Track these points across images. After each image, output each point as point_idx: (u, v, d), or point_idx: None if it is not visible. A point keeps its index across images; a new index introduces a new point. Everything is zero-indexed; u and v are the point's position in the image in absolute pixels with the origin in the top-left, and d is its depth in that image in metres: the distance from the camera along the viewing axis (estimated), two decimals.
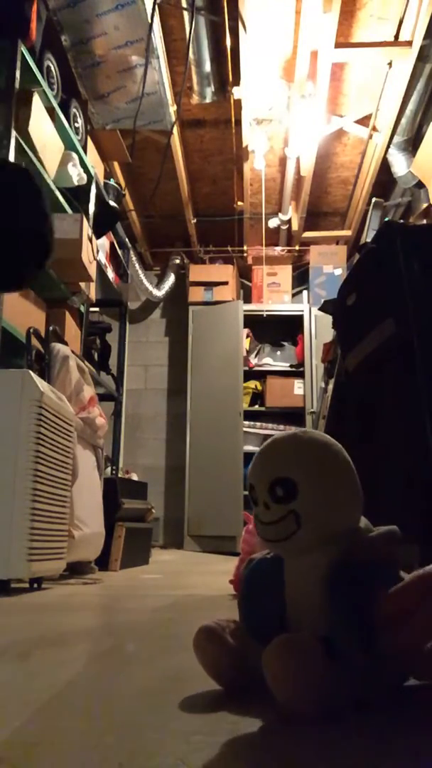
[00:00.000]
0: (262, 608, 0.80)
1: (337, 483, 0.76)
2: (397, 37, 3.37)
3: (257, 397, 5.38)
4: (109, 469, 4.59)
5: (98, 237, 3.81)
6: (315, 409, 4.57)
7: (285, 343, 5.59)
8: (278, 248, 5.61)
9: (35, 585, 2.05)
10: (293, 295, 5.62)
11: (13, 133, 2.58)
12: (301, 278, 5.64)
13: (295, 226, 5.24)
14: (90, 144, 3.70)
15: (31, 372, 2.03)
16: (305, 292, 5.62)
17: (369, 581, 0.72)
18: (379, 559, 0.75)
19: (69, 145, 3.25)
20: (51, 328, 2.72)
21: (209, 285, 5.50)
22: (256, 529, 0.80)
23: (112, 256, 4.86)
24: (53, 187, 3.07)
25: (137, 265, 5.26)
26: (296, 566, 0.78)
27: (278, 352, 5.57)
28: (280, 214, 5.08)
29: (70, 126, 3.29)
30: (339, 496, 0.76)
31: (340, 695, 0.68)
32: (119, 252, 5.05)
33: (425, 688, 0.79)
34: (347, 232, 5.36)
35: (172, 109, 3.76)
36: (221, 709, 0.73)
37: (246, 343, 5.37)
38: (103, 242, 4.35)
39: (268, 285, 5.53)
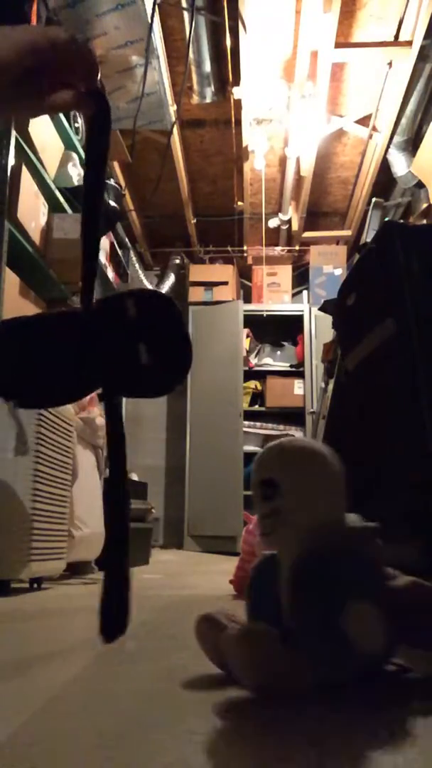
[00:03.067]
0: (261, 604, 0.86)
1: (315, 482, 0.82)
2: (397, 37, 3.37)
3: (257, 397, 5.37)
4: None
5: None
6: (315, 409, 4.56)
7: (285, 343, 5.58)
8: (278, 248, 5.60)
9: (35, 585, 2.05)
10: (293, 295, 5.62)
11: (13, 133, 2.59)
12: (301, 278, 5.64)
13: (295, 226, 5.23)
14: None
15: None
16: (305, 292, 5.61)
17: (331, 572, 0.77)
18: (350, 551, 0.80)
19: (69, 145, 3.25)
20: None
21: (209, 285, 5.49)
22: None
23: (112, 256, 4.86)
24: (53, 187, 3.07)
25: (137, 265, 5.27)
26: (283, 560, 0.83)
27: (278, 352, 5.57)
28: (280, 214, 5.08)
29: (70, 126, 3.29)
30: (317, 493, 0.82)
31: (302, 680, 0.73)
32: (119, 252, 5.05)
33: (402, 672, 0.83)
34: (347, 232, 5.36)
35: (172, 109, 3.75)
36: (222, 708, 0.73)
37: (246, 343, 5.37)
38: (103, 242, 4.35)
39: (268, 285, 5.53)
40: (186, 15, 3.17)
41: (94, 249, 0.62)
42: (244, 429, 5.01)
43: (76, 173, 3.27)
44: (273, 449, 0.87)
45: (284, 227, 5.26)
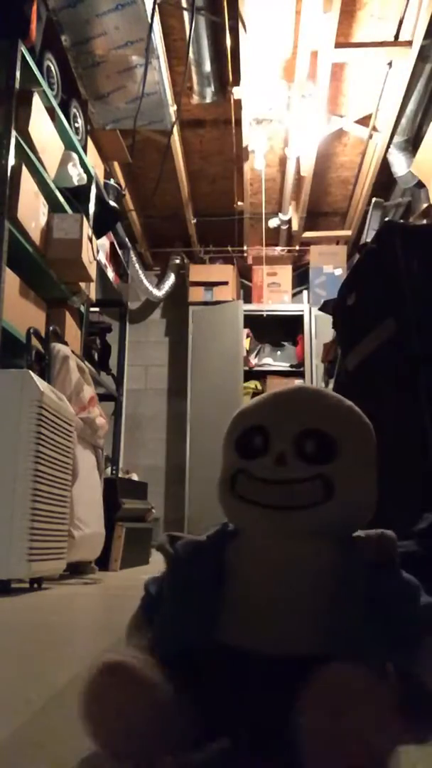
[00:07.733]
0: (190, 606, 0.57)
1: (373, 456, 0.59)
2: (397, 37, 3.36)
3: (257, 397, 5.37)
4: (109, 469, 4.59)
5: (98, 237, 3.81)
6: None
7: (285, 343, 5.58)
8: (278, 248, 5.60)
9: (35, 585, 2.04)
10: (293, 295, 5.62)
11: (13, 133, 2.58)
12: (301, 278, 5.64)
13: (295, 226, 5.23)
14: (90, 144, 3.70)
15: (31, 372, 2.03)
16: (305, 292, 5.62)
17: (413, 594, 0.54)
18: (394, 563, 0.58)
19: (69, 145, 3.25)
20: (51, 328, 2.71)
21: (209, 285, 5.50)
22: (237, 488, 0.60)
23: (112, 256, 4.86)
24: (53, 187, 3.07)
25: (137, 265, 5.26)
26: (282, 549, 0.56)
27: (278, 352, 5.57)
28: (280, 214, 5.08)
29: (70, 126, 3.29)
30: (373, 472, 0.58)
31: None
32: (119, 252, 5.05)
33: None
34: (347, 232, 5.36)
35: (172, 109, 3.75)
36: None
37: (246, 343, 5.37)
38: (103, 242, 4.35)
39: (268, 285, 5.53)
40: (186, 15, 3.17)
41: None
42: None
43: (76, 173, 3.26)
44: (326, 394, 0.60)
45: (284, 227, 5.26)
